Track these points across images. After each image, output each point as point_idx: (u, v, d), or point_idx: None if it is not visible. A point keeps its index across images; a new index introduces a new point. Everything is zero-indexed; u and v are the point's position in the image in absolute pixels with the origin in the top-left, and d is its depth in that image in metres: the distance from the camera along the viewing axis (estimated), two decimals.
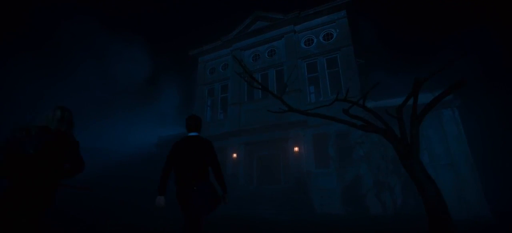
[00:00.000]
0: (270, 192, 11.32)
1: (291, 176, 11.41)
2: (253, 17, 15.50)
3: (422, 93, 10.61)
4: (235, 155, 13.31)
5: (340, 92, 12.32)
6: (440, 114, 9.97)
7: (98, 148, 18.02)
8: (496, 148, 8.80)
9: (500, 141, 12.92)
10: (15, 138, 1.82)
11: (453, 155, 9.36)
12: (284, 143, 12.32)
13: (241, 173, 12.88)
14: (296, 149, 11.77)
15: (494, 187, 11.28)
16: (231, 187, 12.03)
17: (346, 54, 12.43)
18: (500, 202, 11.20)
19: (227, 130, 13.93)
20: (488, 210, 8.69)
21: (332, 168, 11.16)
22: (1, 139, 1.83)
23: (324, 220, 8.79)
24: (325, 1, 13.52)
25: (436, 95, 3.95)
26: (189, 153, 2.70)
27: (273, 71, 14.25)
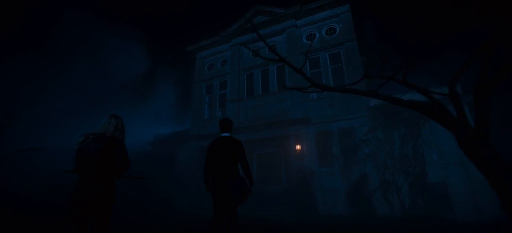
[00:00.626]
0: (271, 192, 10.79)
1: (292, 176, 10.88)
2: (253, 11, 15.00)
3: (431, 89, 10.20)
4: None
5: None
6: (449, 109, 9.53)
7: None
8: (509, 146, 8.37)
9: None
10: (80, 143, 2.34)
11: (463, 153, 8.89)
12: (285, 141, 11.80)
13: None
14: (298, 147, 11.26)
15: None
16: None
17: (350, 49, 11.98)
18: None
19: None
20: (502, 211, 8.25)
21: (336, 167, 10.66)
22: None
23: (330, 222, 8.27)
24: None
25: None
26: (223, 151, 3.14)
27: (274, 67, 13.75)
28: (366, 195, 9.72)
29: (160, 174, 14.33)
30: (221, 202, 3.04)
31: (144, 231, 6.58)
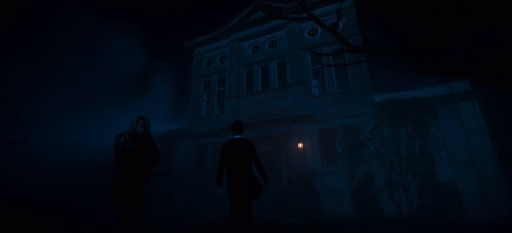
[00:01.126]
0: (271, 192, 10.28)
1: (294, 175, 10.41)
2: (253, 6, 14.55)
3: (439, 85, 9.81)
4: None
5: (348, 83, 11.46)
6: (458, 106, 9.18)
7: (81, 144, 16.71)
8: None
9: None
10: (116, 142, 2.70)
11: (474, 151, 8.53)
12: (287, 139, 11.34)
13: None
14: (300, 145, 10.80)
15: None
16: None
17: (353, 44, 11.55)
18: None
19: (224, 125, 12.87)
20: None
21: (340, 166, 10.21)
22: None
23: (335, 223, 7.81)
24: None
25: None
26: (237, 152, 3.36)
27: (275, 63, 13.30)
28: (372, 195, 9.28)
29: (157, 172, 13.76)
30: (236, 198, 3.28)
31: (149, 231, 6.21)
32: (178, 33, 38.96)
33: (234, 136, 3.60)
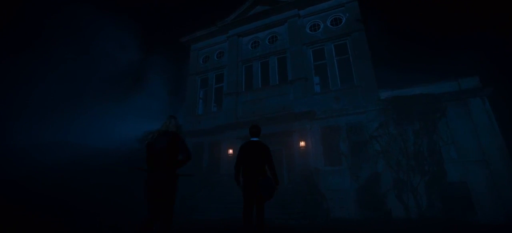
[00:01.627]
0: None
1: (296, 175, 9.89)
2: (252, 0, 14.08)
3: (446, 81, 9.45)
4: (231, 151, 11.67)
5: (351, 80, 11.04)
6: (467, 103, 8.81)
7: (72, 143, 15.91)
8: None
9: None
10: (148, 140, 2.83)
11: (485, 150, 8.15)
12: (288, 137, 10.82)
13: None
14: (302, 143, 10.30)
15: None
16: (227, 188, 10.36)
17: (357, 39, 11.17)
18: None
19: (222, 123, 12.30)
20: None
21: (344, 166, 9.73)
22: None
23: (343, 225, 7.30)
24: None
25: None
26: (253, 154, 3.55)
27: (275, 59, 12.82)
28: (378, 196, 8.81)
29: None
30: (250, 197, 3.44)
31: None
32: (174, 28, 37.67)
33: (251, 138, 3.73)
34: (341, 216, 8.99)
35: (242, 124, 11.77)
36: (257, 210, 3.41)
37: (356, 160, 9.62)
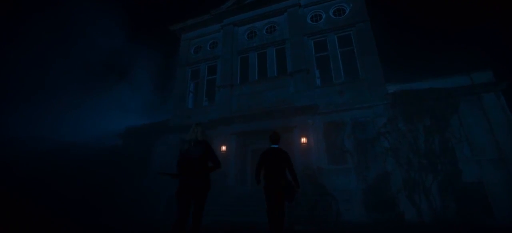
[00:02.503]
0: None
1: (298, 174, 8.96)
2: None
3: (458, 75, 8.91)
4: (224, 147, 10.61)
5: (356, 73, 10.32)
6: (480, 98, 8.28)
7: (45, 137, 14.24)
8: None
9: None
10: (181, 148, 3.04)
11: (501, 148, 7.61)
12: (288, 133, 9.90)
13: (231, 171, 10.17)
14: (303, 140, 9.42)
15: None
16: (219, 188, 9.30)
17: (362, 31, 10.50)
18: None
19: (215, 118, 11.23)
20: None
21: (349, 164, 8.94)
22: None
23: (354, 230, 6.43)
24: None
25: None
26: (275, 160, 3.84)
27: (273, 49, 11.93)
28: (387, 197, 8.04)
29: (132, 172, 11.75)
30: (272, 199, 3.71)
31: None
32: (163, 15, 34.71)
33: (272, 145, 3.99)
34: (347, 219, 8.14)
35: (237, 119, 10.75)
36: (279, 210, 3.64)
37: (363, 158, 8.84)
